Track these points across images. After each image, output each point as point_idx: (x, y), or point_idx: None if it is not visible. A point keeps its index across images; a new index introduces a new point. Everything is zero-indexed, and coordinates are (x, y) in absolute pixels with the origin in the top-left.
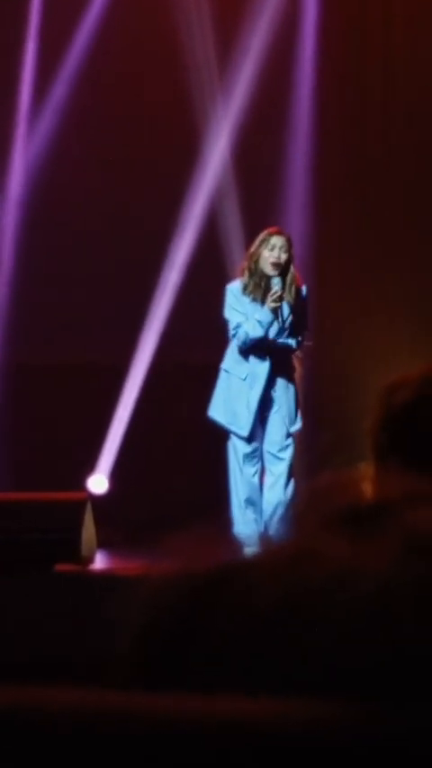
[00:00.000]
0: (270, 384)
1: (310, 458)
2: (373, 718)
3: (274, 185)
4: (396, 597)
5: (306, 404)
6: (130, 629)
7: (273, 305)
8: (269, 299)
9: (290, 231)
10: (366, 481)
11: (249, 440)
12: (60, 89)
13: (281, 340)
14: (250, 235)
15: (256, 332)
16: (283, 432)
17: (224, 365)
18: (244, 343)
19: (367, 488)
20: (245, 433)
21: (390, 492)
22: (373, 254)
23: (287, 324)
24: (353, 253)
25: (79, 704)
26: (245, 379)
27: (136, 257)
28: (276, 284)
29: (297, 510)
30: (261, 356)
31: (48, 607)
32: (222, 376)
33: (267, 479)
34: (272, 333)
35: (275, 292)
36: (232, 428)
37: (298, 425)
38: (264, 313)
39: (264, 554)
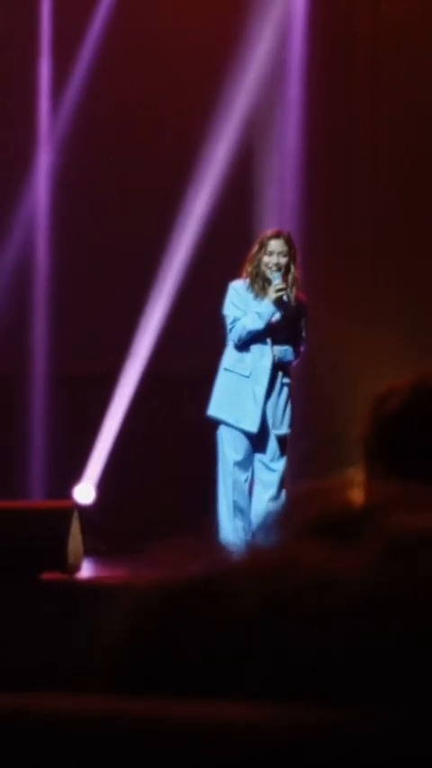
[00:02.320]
0: (272, 381)
1: (291, 465)
2: (354, 721)
3: (264, 195)
4: (374, 601)
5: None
6: (113, 635)
7: (275, 295)
8: (272, 290)
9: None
10: (355, 487)
11: (252, 436)
12: (73, 96)
13: (279, 352)
14: (243, 243)
15: (256, 324)
16: (277, 448)
17: (224, 364)
18: (240, 337)
19: (356, 494)
20: (254, 428)
21: (375, 498)
22: (363, 257)
23: (287, 322)
24: (341, 257)
25: (66, 709)
26: (248, 376)
27: (130, 267)
28: (277, 278)
29: (279, 517)
30: (262, 353)
31: (34, 615)
32: (223, 375)
33: (257, 489)
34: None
35: (278, 284)
36: (240, 425)
37: (285, 430)
38: (264, 305)
39: (245, 561)
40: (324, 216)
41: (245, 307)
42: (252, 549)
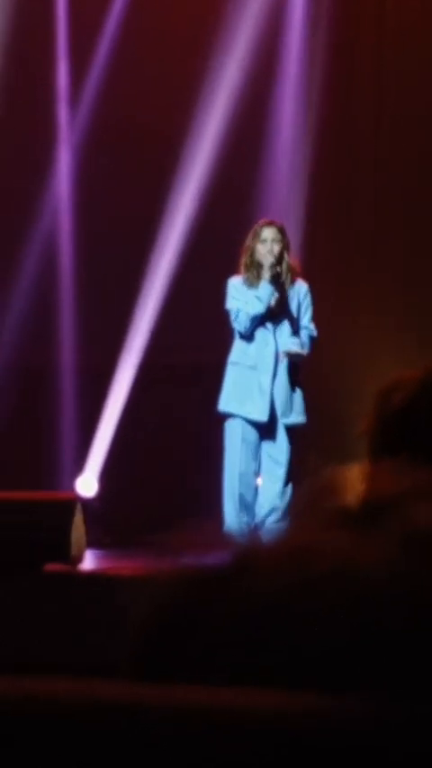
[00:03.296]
0: (277, 371)
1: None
2: (373, 710)
3: (262, 186)
4: (393, 591)
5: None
6: (133, 624)
7: (269, 273)
8: (265, 271)
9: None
10: (362, 480)
11: (259, 425)
12: (90, 97)
13: (287, 345)
14: (237, 236)
15: (257, 308)
16: (285, 436)
17: (231, 358)
18: (245, 326)
19: (365, 487)
20: (264, 417)
21: (388, 489)
22: (366, 245)
23: (287, 309)
24: (344, 245)
25: (82, 694)
26: (253, 367)
27: (124, 258)
28: (269, 259)
29: (297, 507)
30: (265, 342)
31: (37, 606)
32: (230, 369)
33: (264, 483)
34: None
35: (270, 262)
36: (250, 416)
37: (293, 419)
38: (262, 288)
39: (263, 550)
40: (324, 211)
41: (244, 298)
42: (274, 538)
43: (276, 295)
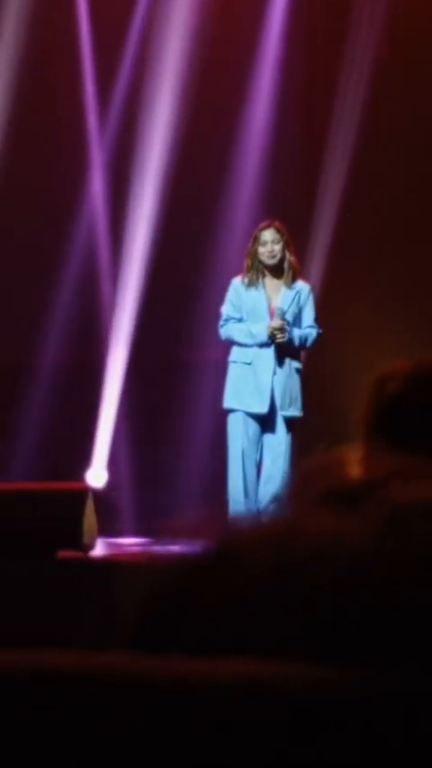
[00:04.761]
0: (276, 368)
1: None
2: (358, 679)
3: (264, 185)
4: (375, 565)
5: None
6: (135, 601)
7: (273, 332)
8: (272, 329)
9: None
10: (356, 462)
11: (260, 418)
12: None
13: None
14: (230, 231)
15: (244, 341)
16: (284, 427)
17: (231, 357)
18: (228, 340)
19: (356, 469)
20: (264, 409)
21: (376, 470)
22: (363, 242)
23: (288, 323)
24: (340, 243)
25: (89, 665)
26: (250, 364)
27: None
28: (277, 319)
29: (290, 488)
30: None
31: (50, 590)
32: (230, 367)
33: (264, 472)
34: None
35: (274, 325)
36: (251, 410)
37: (293, 412)
38: (260, 330)
39: (257, 530)
40: (327, 205)
41: (239, 303)
42: (263, 519)
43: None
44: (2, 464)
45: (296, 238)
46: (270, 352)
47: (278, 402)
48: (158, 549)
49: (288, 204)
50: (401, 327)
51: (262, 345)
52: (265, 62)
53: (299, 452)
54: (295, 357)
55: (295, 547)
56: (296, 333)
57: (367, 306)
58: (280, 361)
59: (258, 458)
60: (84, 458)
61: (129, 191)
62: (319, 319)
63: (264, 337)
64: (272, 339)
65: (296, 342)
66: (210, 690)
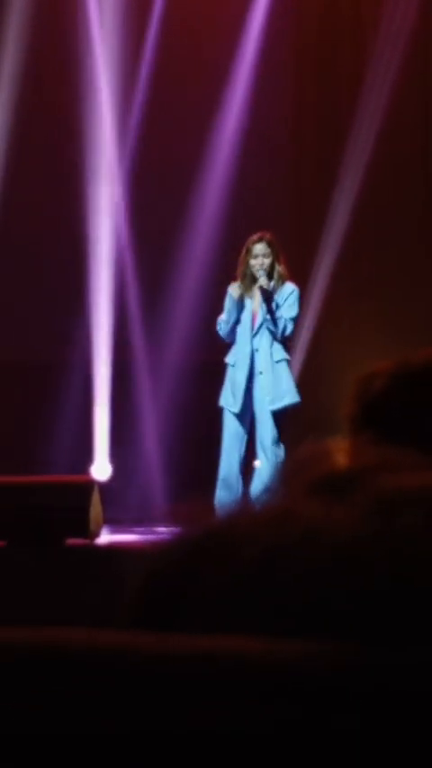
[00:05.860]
0: (256, 366)
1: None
2: (346, 656)
3: (259, 189)
4: (361, 551)
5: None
6: (134, 583)
7: (258, 285)
8: (256, 285)
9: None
10: (342, 453)
11: (240, 416)
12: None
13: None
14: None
15: (227, 308)
16: (270, 421)
17: (226, 359)
18: (224, 333)
19: (343, 459)
20: (236, 409)
21: (363, 461)
22: (347, 244)
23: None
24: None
25: (92, 642)
26: (233, 365)
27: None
28: (261, 276)
29: (280, 477)
30: (245, 342)
31: (58, 576)
32: (227, 369)
33: (258, 465)
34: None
35: (260, 278)
36: (232, 409)
37: (282, 404)
38: (234, 287)
39: (246, 516)
40: (314, 213)
41: (231, 306)
42: (254, 505)
43: (262, 310)
44: (17, 458)
45: (297, 242)
46: (246, 354)
47: (267, 399)
48: (158, 536)
49: (282, 214)
50: (389, 330)
51: (245, 331)
52: (251, 64)
53: (296, 443)
54: (277, 348)
55: (286, 530)
56: (278, 313)
57: (361, 311)
58: (261, 361)
59: (244, 452)
60: (87, 453)
61: (144, 202)
62: (316, 331)
63: (236, 292)
64: (263, 293)
65: (279, 325)
66: (209, 665)
